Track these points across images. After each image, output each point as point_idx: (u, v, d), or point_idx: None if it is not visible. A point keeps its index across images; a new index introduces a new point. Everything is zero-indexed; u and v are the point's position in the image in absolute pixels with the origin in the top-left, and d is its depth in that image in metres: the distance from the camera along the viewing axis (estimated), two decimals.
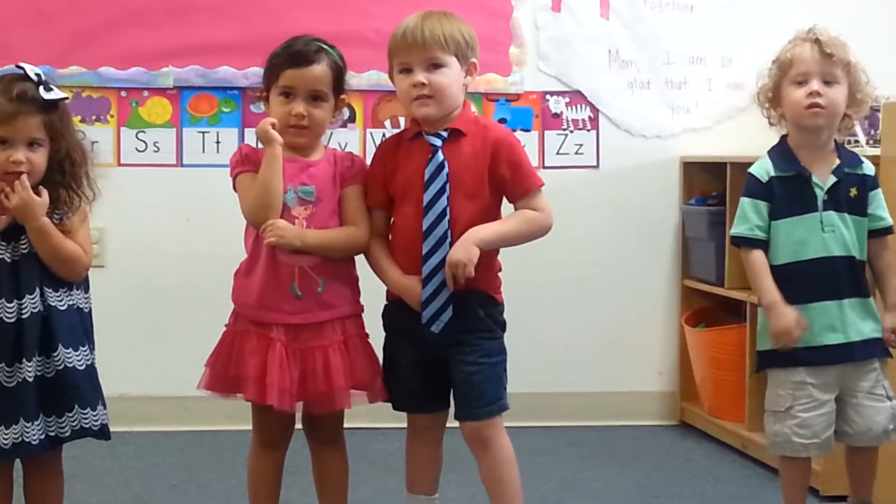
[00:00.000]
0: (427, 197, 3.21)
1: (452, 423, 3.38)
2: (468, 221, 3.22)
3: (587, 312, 5.12)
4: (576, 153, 5.13)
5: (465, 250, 3.15)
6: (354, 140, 4.99)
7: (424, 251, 3.20)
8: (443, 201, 3.20)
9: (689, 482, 4.33)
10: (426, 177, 3.23)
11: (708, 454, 4.73)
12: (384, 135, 5.01)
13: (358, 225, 3.31)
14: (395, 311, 3.34)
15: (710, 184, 5.08)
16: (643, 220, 5.19)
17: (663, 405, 5.23)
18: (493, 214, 3.30)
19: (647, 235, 5.20)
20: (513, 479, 3.32)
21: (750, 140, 5.03)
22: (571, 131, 5.13)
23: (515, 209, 3.31)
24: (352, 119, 4.99)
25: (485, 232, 3.20)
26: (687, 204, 5.13)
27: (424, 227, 3.21)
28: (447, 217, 3.20)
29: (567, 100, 5.15)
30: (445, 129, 3.27)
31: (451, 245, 3.18)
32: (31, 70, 3.06)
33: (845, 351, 3.44)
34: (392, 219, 3.35)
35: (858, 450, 3.53)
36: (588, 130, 5.17)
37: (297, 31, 3.38)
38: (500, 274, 3.36)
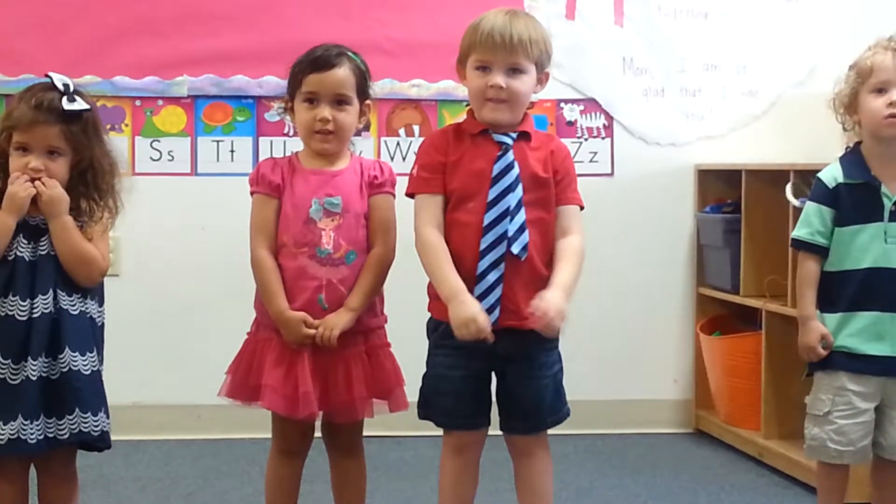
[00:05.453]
0: (492, 194, 3.09)
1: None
2: (535, 221, 3.12)
3: (602, 320, 5.10)
4: (590, 161, 5.13)
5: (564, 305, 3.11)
6: (369, 149, 4.97)
7: (482, 247, 3.08)
8: (508, 199, 3.08)
9: (705, 490, 4.31)
10: (494, 173, 3.10)
11: (723, 462, 4.72)
12: (398, 144, 5.02)
13: (386, 236, 3.27)
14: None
15: (724, 191, 5.07)
16: (658, 228, 5.19)
17: (678, 413, 5.22)
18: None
19: (662, 243, 5.19)
20: (550, 489, 3.28)
21: (765, 147, 5.07)
22: (586, 139, 5.13)
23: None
24: (366, 128, 4.98)
25: (565, 280, 3.16)
26: (702, 212, 5.12)
27: (485, 223, 3.08)
28: (508, 217, 3.08)
29: (581, 107, 5.15)
30: (515, 132, 3.17)
31: (509, 244, 3.08)
32: (58, 80, 3.09)
33: (889, 364, 3.41)
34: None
35: (888, 464, 3.50)
36: (602, 138, 5.17)
37: (311, 40, 3.39)
38: None
